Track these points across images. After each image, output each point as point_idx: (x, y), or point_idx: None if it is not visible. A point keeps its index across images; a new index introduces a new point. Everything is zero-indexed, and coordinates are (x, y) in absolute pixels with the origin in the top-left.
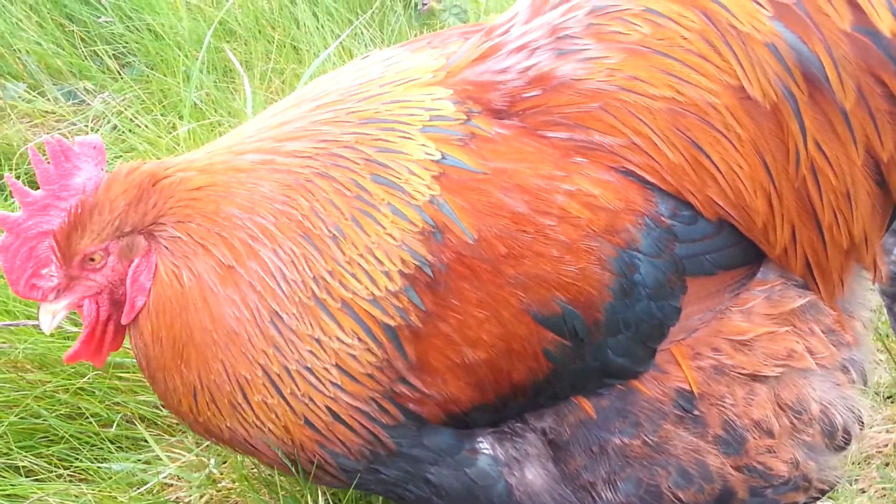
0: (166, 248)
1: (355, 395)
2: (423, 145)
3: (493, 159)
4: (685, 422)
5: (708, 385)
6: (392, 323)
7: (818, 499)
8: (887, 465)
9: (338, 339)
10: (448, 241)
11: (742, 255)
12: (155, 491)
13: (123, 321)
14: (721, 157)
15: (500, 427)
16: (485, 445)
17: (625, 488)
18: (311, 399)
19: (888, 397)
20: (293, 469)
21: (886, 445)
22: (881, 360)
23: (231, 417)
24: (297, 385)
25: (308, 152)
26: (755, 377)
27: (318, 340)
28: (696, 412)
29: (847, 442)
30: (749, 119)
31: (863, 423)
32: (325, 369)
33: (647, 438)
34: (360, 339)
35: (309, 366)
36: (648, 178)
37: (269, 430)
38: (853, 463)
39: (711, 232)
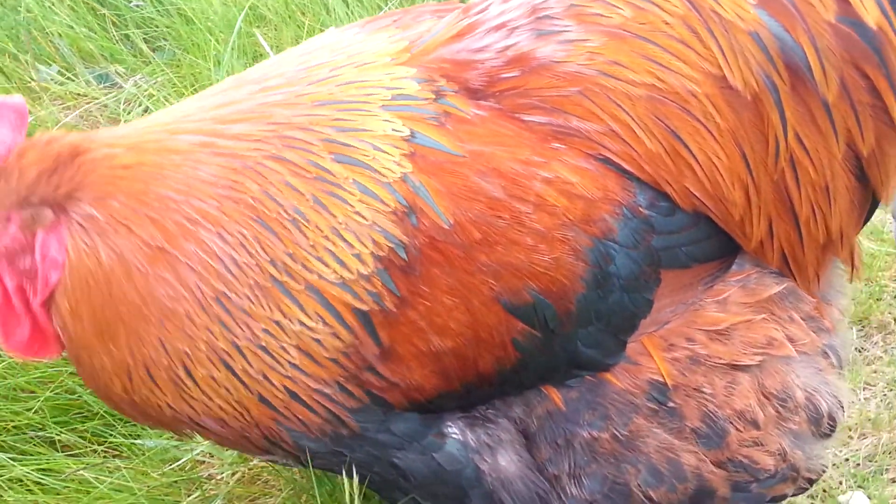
0: (79, 224)
1: (316, 377)
2: (388, 121)
3: (470, 141)
4: (659, 415)
5: (683, 376)
6: (364, 308)
7: (806, 489)
8: None
9: (300, 322)
10: (422, 224)
11: (718, 248)
12: (187, 468)
13: (38, 298)
14: (699, 148)
15: (471, 412)
16: (454, 430)
17: (589, 485)
18: (265, 377)
19: None
20: (249, 446)
21: None
22: None
23: (173, 394)
24: (248, 362)
25: (256, 135)
26: (736, 366)
27: (277, 322)
28: (670, 404)
29: (832, 428)
30: (729, 109)
31: (843, 408)
32: (283, 349)
33: (616, 432)
34: (325, 323)
35: (264, 345)
36: (626, 166)
37: (219, 406)
38: (884, 453)
39: (688, 224)
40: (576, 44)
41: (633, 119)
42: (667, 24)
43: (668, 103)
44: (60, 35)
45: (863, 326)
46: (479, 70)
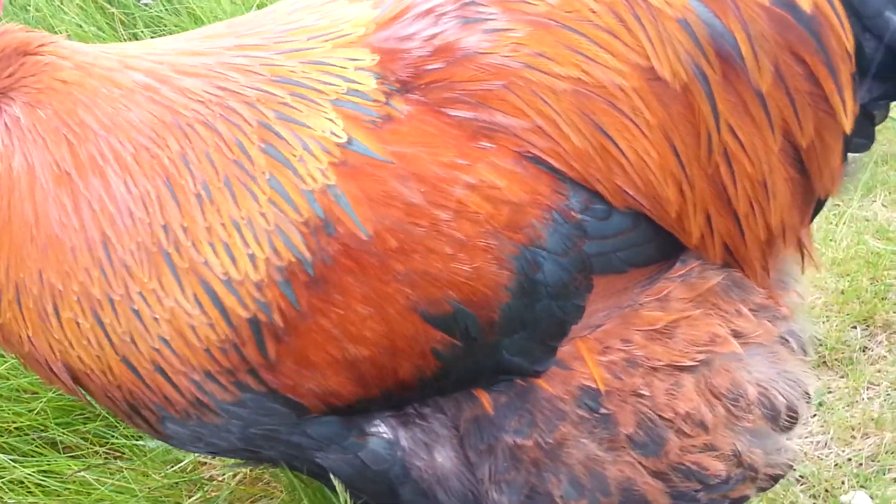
0: (5, 123)
1: (184, 359)
2: (332, 121)
3: (396, 143)
4: (589, 423)
5: (619, 380)
6: (245, 315)
7: (768, 487)
8: None
9: (175, 300)
10: (338, 231)
11: (657, 252)
12: (189, 469)
13: None
14: (629, 145)
15: (404, 410)
16: (383, 429)
17: (508, 492)
18: (132, 340)
19: None
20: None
21: None
22: None
23: (35, 328)
24: (118, 320)
25: (201, 95)
26: (678, 367)
27: (154, 291)
28: (602, 410)
29: (794, 420)
30: (658, 103)
31: (808, 395)
32: (155, 320)
33: (541, 440)
34: (204, 312)
35: (137, 309)
36: (554, 164)
37: (79, 356)
38: (886, 453)
39: (626, 227)
40: (501, 34)
41: (558, 114)
42: (593, 12)
43: (594, 98)
44: (69, 33)
45: (867, 325)
46: (405, 60)
